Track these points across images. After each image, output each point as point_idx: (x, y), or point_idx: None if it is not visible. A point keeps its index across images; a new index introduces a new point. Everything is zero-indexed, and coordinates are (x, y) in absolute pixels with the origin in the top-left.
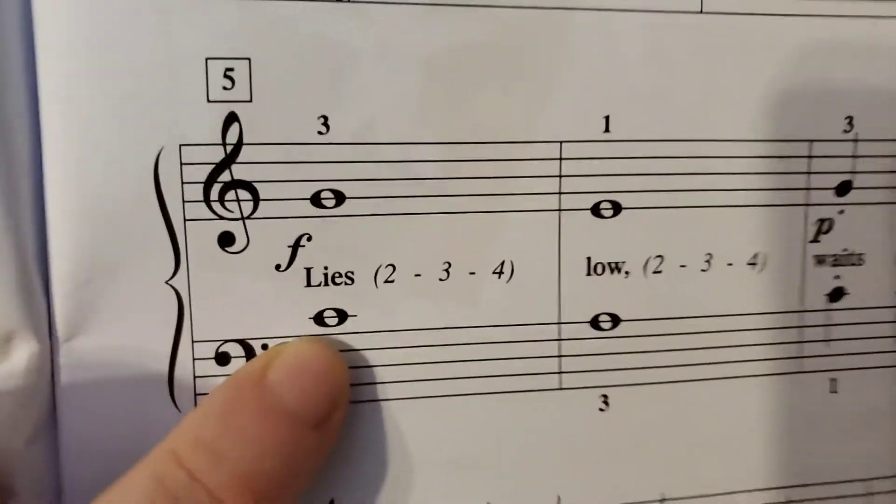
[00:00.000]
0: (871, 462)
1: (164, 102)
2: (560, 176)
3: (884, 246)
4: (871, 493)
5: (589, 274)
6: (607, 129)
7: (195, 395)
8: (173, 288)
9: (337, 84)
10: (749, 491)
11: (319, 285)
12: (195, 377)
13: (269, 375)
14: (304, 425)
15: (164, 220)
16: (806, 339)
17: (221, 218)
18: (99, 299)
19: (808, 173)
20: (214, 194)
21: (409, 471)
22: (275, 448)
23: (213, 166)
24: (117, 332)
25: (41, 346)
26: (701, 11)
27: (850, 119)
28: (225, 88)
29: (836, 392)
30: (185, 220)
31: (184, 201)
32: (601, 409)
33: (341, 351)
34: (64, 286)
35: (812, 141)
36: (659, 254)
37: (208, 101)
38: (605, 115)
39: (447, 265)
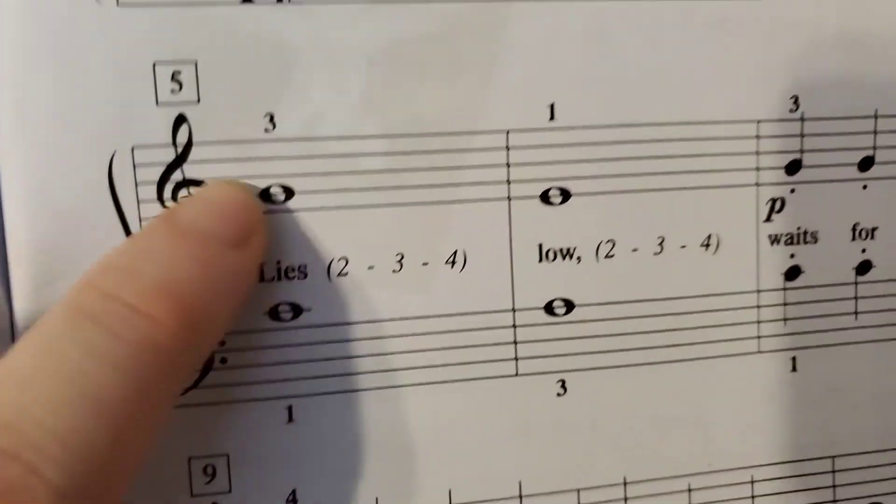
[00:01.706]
0: (833, 439)
1: (115, 107)
2: (508, 165)
3: (837, 223)
4: (835, 471)
5: (541, 260)
6: (553, 117)
7: None
8: None
9: (281, 82)
10: (712, 472)
11: (273, 280)
12: None
13: (179, 211)
14: (220, 244)
15: (120, 220)
16: (763, 319)
17: None
18: (60, 300)
19: (757, 153)
20: (167, 193)
21: (370, 460)
22: (190, 261)
23: (165, 166)
24: None
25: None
26: None
27: (795, 98)
28: (173, 91)
29: (795, 371)
30: (140, 219)
31: (138, 201)
32: (559, 395)
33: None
34: (24, 289)
35: (759, 121)
36: (610, 238)
37: (157, 104)
38: (550, 102)
39: (400, 256)
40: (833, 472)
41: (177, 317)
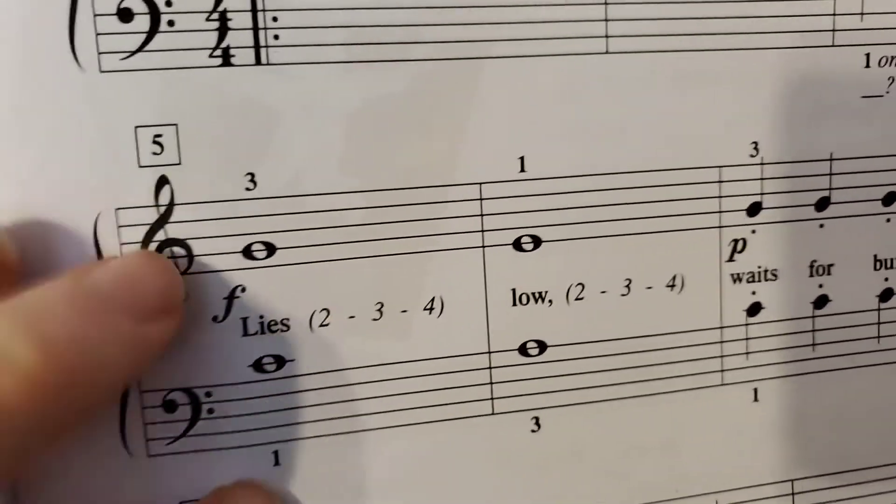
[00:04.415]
0: (793, 463)
1: (98, 170)
2: (482, 215)
3: (796, 260)
4: (795, 493)
5: (515, 304)
6: (523, 169)
7: (146, 440)
8: None
9: (262, 142)
10: (680, 498)
11: (256, 334)
12: (145, 424)
13: (90, 273)
14: (122, 313)
15: None
16: (727, 354)
17: None
18: None
19: (720, 197)
20: None
21: (354, 500)
22: (79, 318)
23: (148, 227)
24: None
25: None
26: (606, 52)
27: (755, 144)
28: (154, 153)
29: (757, 401)
30: None
31: None
32: (533, 431)
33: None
34: None
35: (721, 167)
36: (580, 282)
37: (139, 166)
38: (521, 155)
39: (380, 305)
40: (792, 494)
41: (44, 370)
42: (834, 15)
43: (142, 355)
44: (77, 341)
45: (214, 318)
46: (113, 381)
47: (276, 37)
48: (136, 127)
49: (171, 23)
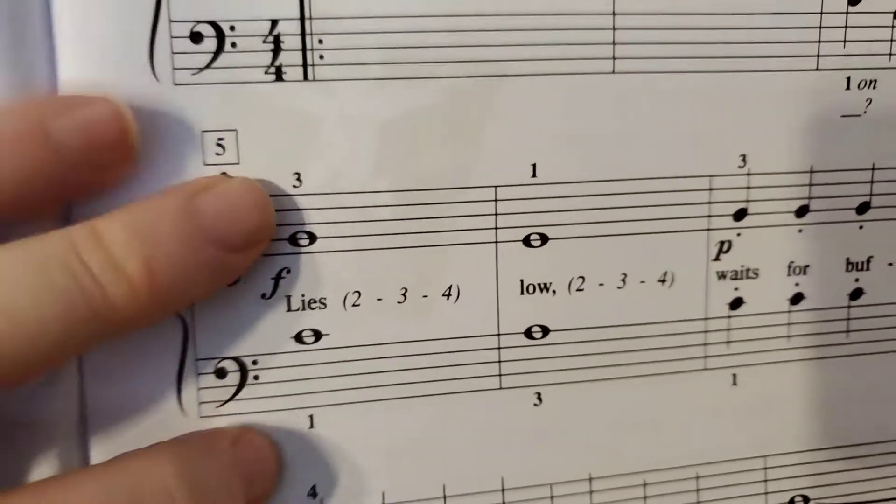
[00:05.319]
0: (767, 441)
1: (169, 167)
2: (496, 214)
3: (775, 261)
4: (767, 468)
5: (522, 293)
6: (535, 175)
7: (198, 403)
8: (179, 315)
9: (307, 146)
10: (663, 469)
11: (298, 310)
12: (198, 388)
13: (203, 206)
14: (224, 249)
15: None
16: (710, 342)
17: None
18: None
19: (710, 203)
20: None
21: (377, 460)
22: (188, 251)
23: None
24: (135, 353)
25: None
26: (613, 72)
27: (744, 156)
28: (217, 154)
29: (736, 385)
30: None
31: None
32: (535, 405)
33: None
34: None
35: (712, 176)
36: (581, 275)
37: (204, 164)
38: (533, 162)
39: (404, 290)
40: (765, 468)
41: (145, 287)
42: (819, 42)
43: (220, 281)
44: (175, 266)
45: (263, 295)
46: (189, 301)
47: (322, 56)
48: (203, 131)
49: (233, 44)
